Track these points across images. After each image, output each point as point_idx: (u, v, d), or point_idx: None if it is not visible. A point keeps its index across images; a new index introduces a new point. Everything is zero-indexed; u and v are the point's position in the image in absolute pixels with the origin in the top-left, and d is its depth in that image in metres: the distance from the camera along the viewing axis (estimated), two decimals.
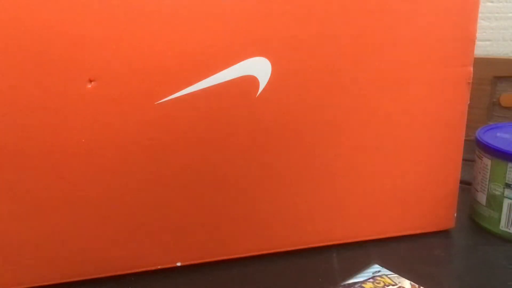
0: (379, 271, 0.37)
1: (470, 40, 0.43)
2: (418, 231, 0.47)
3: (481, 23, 0.73)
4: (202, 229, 0.42)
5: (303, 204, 0.44)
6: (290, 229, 0.44)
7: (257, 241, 0.44)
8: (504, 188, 0.46)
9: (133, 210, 0.40)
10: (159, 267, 0.42)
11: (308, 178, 0.43)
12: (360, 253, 0.45)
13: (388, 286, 0.35)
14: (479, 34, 0.43)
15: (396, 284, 0.36)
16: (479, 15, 0.42)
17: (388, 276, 0.36)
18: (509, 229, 0.46)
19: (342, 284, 0.36)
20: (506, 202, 0.46)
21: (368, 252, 0.45)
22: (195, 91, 0.38)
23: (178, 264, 0.43)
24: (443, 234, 0.48)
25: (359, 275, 0.37)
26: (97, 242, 0.40)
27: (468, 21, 0.42)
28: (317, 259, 0.44)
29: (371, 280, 0.36)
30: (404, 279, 0.36)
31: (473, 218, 0.50)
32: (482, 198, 0.48)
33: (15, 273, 0.40)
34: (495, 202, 0.47)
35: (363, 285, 0.35)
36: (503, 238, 0.47)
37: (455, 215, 0.48)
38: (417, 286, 0.36)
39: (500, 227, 0.47)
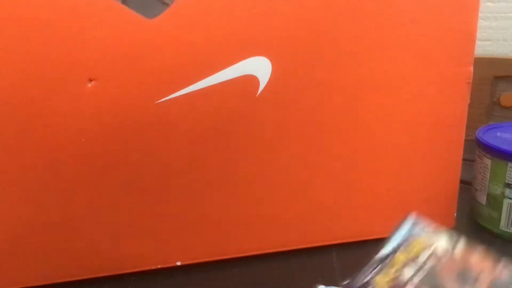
0: (411, 231, 0.33)
1: (470, 40, 0.43)
2: None
3: (481, 23, 0.73)
4: (202, 228, 0.42)
5: (303, 203, 0.44)
6: (290, 228, 0.44)
7: (256, 241, 0.44)
8: (504, 187, 0.46)
9: (133, 209, 0.40)
10: (159, 266, 0.42)
11: (308, 177, 0.43)
12: (360, 252, 0.45)
13: (422, 252, 0.32)
14: (479, 34, 0.43)
15: (431, 246, 0.32)
16: (479, 15, 0.42)
17: (422, 236, 0.33)
18: (509, 228, 0.46)
19: (377, 256, 0.33)
20: (506, 202, 0.46)
21: (368, 251, 0.45)
22: (195, 91, 0.38)
23: (178, 263, 0.43)
24: None
25: (394, 237, 0.33)
26: (97, 241, 0.40)
27: (468, 21, 0.42)
28: (317, 259, 0.44)
29: (402, 248, 0.32)
30: (439, 235, 0.33)
31: (473, 218, 0.50)
32: (482, 197, 0.48)
33: (14, 273, 0.40)
34: (495, 202, 0.47)
35: (394, 259, 0.32)
36: (503, 237, 0.47)
37: (455, 214, 0.48)
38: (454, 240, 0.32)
39: (500, 227, 0.47)
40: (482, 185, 0.48)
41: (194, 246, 0.43)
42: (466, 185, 0.52)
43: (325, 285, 0.36)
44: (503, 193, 0.46)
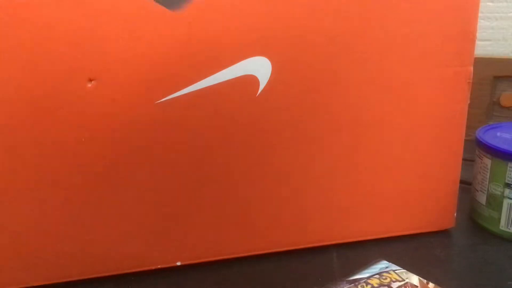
0: (386, 267, 0.37)
1: (470, 39, 0.43)
2: (418, 231, 0.47)
3: (481, 22, 0.73)
4: (202, 228, 0.42)
5: (303, 203, 0.44)
6: (290, 228, 0.44)
7: (256, 241, 0.44)
8: (504, 188, 0.46)
9: (133, 209, 0.40)
10: (159, 266, 0.42)
11: (308, 177, 0.43)
12: (360, 252, 0.45)
13: (395, 281, 0.35)
14: (479, 34, 0.43)
15: (403, 280, 0.35)
16: (479, 14, 0.42)
17: (396, 271, 0.36)
18: (509, 228, 0.46)
19: (347, 279, 0.36)
20: (506, 202, 0.46)
21: (368, 251, 0.45)
22: (195, 91, 0.38)
23: (178, 263, 0.43)
24: (443, 233, 0.48)
25: (365, 271, 0.37)
26: (97, 241, 0.40)
27: (468, 20, 0.42)
28: (317, 259, 0.44)
29: (377, 276, 0.36)
30: (412, 274, 0.36)
31: (473, 218, 0.50)
32: (482, 197, 0.48)
33: (14, 272, 0.40)
34: (495, 202, 0.47)
35: (369, 280, 0.35)
36: (503, 237, 0.47)
37: (455, 214, 0.48)
38: (425, 281, 0.36)
39: (500, 227, 0.47)
40: (482, 185, 0.48)
41: (194, 246, 0.43)
42: (466, 185, 0.52)
43: (325, 284, 0.36)
44: (503, 193, 0.46)
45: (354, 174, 0.44)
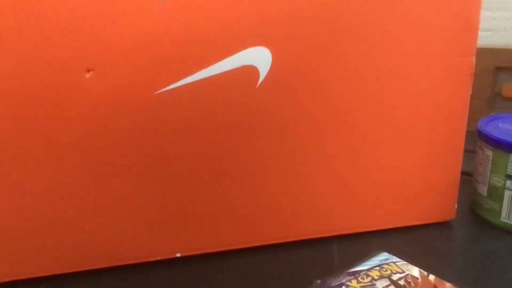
0: (387, 259, 0.37)
1: (472, 30, 0.42)
2: (419, 222, 0.47)
3: (484, 13, 0.72)
4: (201, 220, 0.42)
5: (303, 195, 0.44)
6: (290, 220, 0.44)
7: (256, 232, 0.44)
8: (505, 179, 0.46)
9: (132, 201, 0.40)
10: (158, 258, 0.42)
11: (309, 169, 0.43)
12: (360, 244, 0.45)
13: (395, 273, 0.35)
14: (481, 25, 0.43)
15: (404, 272, 0.36)
16: (482, 5, 0.42)
17: (396, 263, 0.36)
18: (510, 220, 0.46)
19: (347, 271, 0.36)
20: (507, 194, 0.46)
21: (368, 243, 0.45)
22: (194, 81, 0.38)
23: (178, 255, 0.43)
24: (444, 225, 0.48)
25: (366, 263, 0.37)
26: (97, 233, 0.40)
27: (470, 11, 0.42)
28: (317, 250, 0.44)
29: (377, 267, 0.36)
30: (412, 266, 0.36)
31: (474, 210, 0.50)
32: (483, 189, 0.48)
33: (13, 264, 0.40)
34: (496, 194, 0.47)
35: (369, 272, 0.35)
36: (503, 229, 0.47)
37: (456, 206, 0.48)
38: (425, 273, 0.36)
39: (501, 219, 0.47)
40: (483, 177, 0.48)
41: (194, 238, 0.43)
42: (467, 176, 0.52)
43: (325, 276, 0.36)
44: (504, 184, 0.46)
45: (355, 165, 0.44)
